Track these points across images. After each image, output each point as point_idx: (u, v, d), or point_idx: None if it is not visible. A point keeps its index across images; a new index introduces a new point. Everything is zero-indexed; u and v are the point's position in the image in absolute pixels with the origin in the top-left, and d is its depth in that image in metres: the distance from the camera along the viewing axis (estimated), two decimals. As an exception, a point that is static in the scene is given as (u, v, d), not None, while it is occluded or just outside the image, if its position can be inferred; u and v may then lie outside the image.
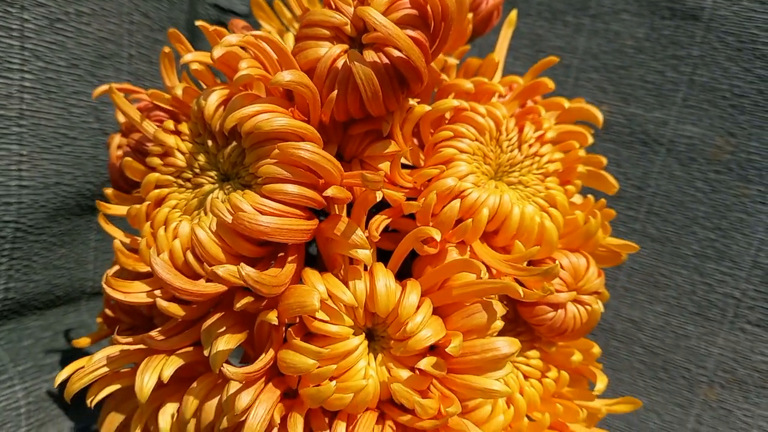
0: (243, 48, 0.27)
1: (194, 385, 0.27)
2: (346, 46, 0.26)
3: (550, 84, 0.32)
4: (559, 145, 0.33)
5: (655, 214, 0.56)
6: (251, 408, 0.24)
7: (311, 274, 0.26)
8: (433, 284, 0.27)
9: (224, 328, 0.26)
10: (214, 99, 0.27)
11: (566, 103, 0.33)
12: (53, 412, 0.47)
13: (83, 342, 0.38)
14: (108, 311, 0.33)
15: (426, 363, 0.25)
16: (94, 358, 0.28)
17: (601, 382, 0.33)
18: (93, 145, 0.48)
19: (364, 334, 0.26)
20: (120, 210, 0.30)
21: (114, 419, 0.30)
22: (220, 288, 0.26)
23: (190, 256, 0.26)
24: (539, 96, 0.33)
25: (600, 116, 0.34)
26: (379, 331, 0.27)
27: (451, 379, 0.27)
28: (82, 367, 0.28)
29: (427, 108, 0.30)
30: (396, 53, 0.25)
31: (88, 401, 0.28)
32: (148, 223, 0.28)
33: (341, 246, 0.26)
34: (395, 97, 0.27)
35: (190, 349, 0.28)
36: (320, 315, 0.26)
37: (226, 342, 0.25)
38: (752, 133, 0.52)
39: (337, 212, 0.27)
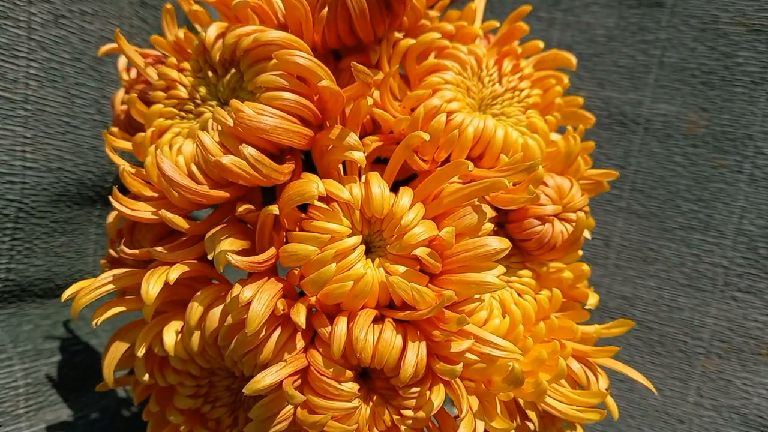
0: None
1: (198, 293, 0.28)
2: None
3: (525, 27, 0.35)
4: (537, 84, 0.35)
5: (638, 191, 0.57)
6: (254, 297, 0.25)
7: (310, 175, 0.27)
8: (426, 196, 0.29)
9: (227, 235, 0.27)
10: (213, 30, 0.29)
11: (541, 44, 0.35)
12: (51, 398, 0.46)
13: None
14: (112, 252, 0.34)
15: (421, 251, 0.26)
16: (100, 276, 0.29)
17: (593, 298, 0.34)
18: (94, 136, 0.50)
19: (361, 237, 0.28)
20: (126, 144, 0.31)
21: (118, 348, 0.30)
22: (223, 194, 0.27)
23: (194, 168, 0.28)
24: (516, 42, 0.36)
25: (574, 60, 0.37)
26: (375, 240, 0.29)
27: (446, 278, 0.28)
28: (88, 286, 0.29)
29: (412, 41, 0.32)
30: (380, -25, 0.28)
31: (93, 322, 0.29)
32: (153, 145, 0.29)
33: (336, 150, 0.27)
34: (381, 19, 0.29)
35: (195, 262, 0.29)
36: (317, 215, 0.27)
37: (230, 243, 0.27)
38: (723, 107, 0.54)
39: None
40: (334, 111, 0.28)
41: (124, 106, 0.35)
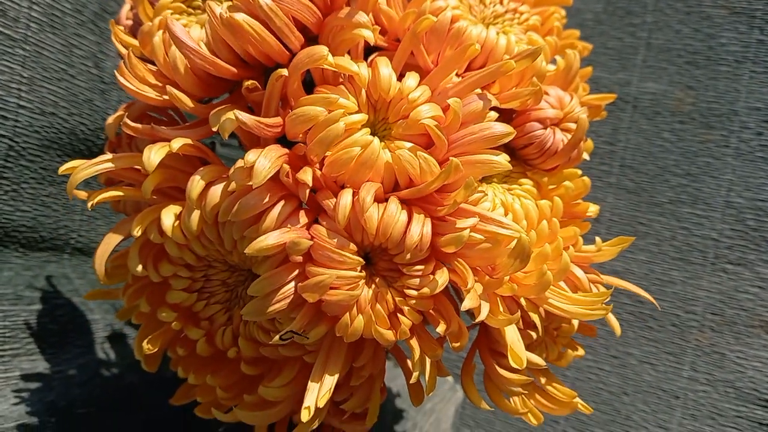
0: None
1: (200, 169, 0.27)
2: None
3: (526, -45, 0.36)
4: (537, 11, 0.36)
5: (628, 167, 0.58)
6: (260, 156, 0.25)
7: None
8: (433, 88, 0.29)
9: (232, 110, 0.27)
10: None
11: (540, -24, 0.36)
12: (28, 347, 0.44)
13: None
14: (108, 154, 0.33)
15: (429, 121, 0.26)
16: (98, 157, 0.28)
17: (593, 207, 0.33)
18: (89, 89, 0.50)
19: (366, 116, 0.28)
20: (132, 40, 0.31)
21: (112, 239, 0.29)
22: (231, 68, 0.27)
23: (201, 44, 0.28)
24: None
25: (571, -3, 0.38)
26: (380, 128, 0.29)
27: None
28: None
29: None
30: None
31: (89, 203, 0.28)
32: (159, 18, 0.29)
33: (345, 30, 0.27)
34: None
35: (198, 143, 0.28)
36: (324, 91, 0.27)
37: (236, 114, 0.26)
38: (708, 85, 0.56)
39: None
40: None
41: (130, 21, 0.35)
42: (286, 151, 0.26)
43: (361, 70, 0.27)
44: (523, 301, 0.30)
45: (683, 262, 0.56)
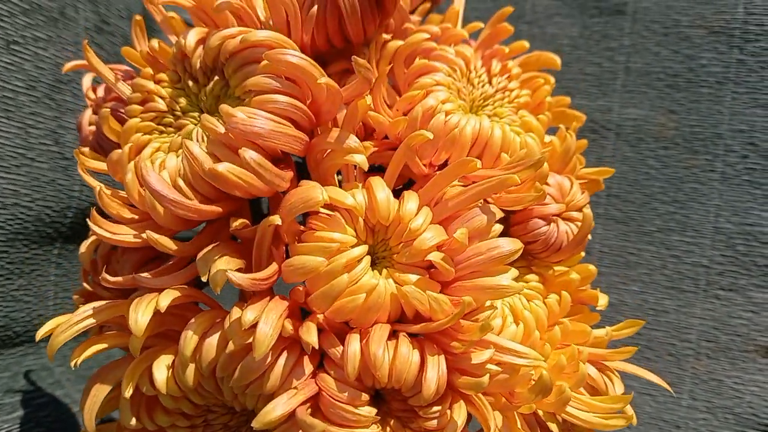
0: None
1: (192, 321, 0.25)
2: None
3: (510, 28, 0.34)
4: (526, 84, 0.34)
5: (614, 196, 0.58)
6: (260, 318, 0.23)
7: (310, 182, 0.25)
8: (430, 200, 0.27)
9: (222, 254, 0.25)
10: (193, 36, 0.27)
11: (526, 44, 0.34)
12: (13, 459, 0.42)
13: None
14: (86, 285, 0.31)
15: (435, 255, 0.25)
16: (78, 311, 0.26)
17: (603, 299, 0.32)
18: (51, 169, 0.47)
19: (366, 247, 0.26)
20: (100, 164, 0.29)
21: (99, 391, 0.27)
22: (215, 209, 0.25)
23: (181, 182, 0.25)
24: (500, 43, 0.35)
25: (558, 61, 0.36)
26: (380, 251, 0.27)
27: (459, 285, 0.26)
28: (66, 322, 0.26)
29: (400, 42, 0.31)
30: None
31: (72, 363, 0.26)
32: (133, 161, 0.27)
33: (335, 155, 0.25)
34: (372, 17, 0.28)
35: (185, 287, 0.26)
36: (319, 225, 0.25)
37: (226, 262, 0.24)
38: (691, 108, 0.55)
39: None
40: (329, 114, 0.26)
41: (93, 127, 0.33)
42: (286, 305, 0.24)
43: (357, 198, 0.25)
44: (540, 411, 0.29)
45: (676, 291, 0.55)
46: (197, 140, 0.26)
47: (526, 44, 0.35)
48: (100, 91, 0.33)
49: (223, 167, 0.23)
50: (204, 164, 0.24)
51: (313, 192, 0.23)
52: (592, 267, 0.32)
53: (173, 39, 0.31)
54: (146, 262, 0.29)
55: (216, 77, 0.28)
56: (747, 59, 0.54)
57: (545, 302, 0.31)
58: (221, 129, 0.24)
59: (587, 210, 0.30)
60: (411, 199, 0.26)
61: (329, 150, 0.26)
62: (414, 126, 0.28)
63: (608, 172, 0.34)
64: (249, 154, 0.22)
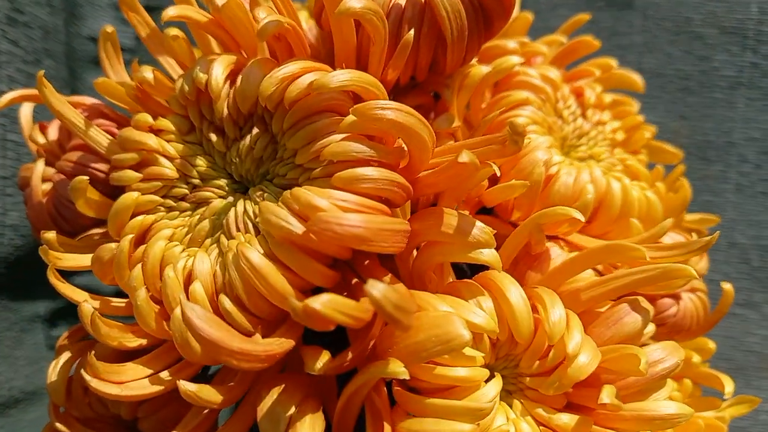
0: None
1: None
2: (402, -23, 0.19)
3: (595, 43, 0.27)
4: (614, 113, 0.28)
5: (625, 210, 0.53)
6: None
7: (422, 294, 0.17)
8: (557, 287, 0.20)
9: (294, 407, 0.16)
10: (219, 70, 0.18)
11: (613, 62, 0.28)
12: None
13: None
14: (60, 427, 0.21)
15: (609, 393, 0.18)
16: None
17: (729, 385, 0.27)
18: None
19: (500, 385, 0.18)
20: (78, 260, 0.19)
21: None
22: (288, 343, 0.16)
23: (226, 303, 0.16)
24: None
25: (640, 82, 0.30)
26: (500, 367, 0.19)
27: (611, 415, 0.19)
28: None
29: (485, 69, 0.23)
30: (479, -21, 0.19)
31: None
32: (138, 266, 0.17)
33: (451, 249, 0.17)
34: (478, 43, 0.20)
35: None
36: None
37: (310, 427, 0.16)
38: (704, 114, 0.51)
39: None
40: (433, 186, 0.18)
41: (47, 185, 0.22)
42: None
43: (485, 307, 0.18)
44: None
45: (690, 309, 0.52)
46: (238, 228, 0.17)
47: (613, 62, 0.28)
48: (53, 132, 0.23)
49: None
50: (273, 283, 0.15)
51: (452, 326, 0.15)
52: (711, 344, 0.26)
53: (167, 63, 0.22)
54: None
55: (255, 129, 0.19)
56: (760, 62, 0.51)
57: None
58: (298, 228, 0.16)
59: (727, 285, 0.24)
60: (554, 302, 0.19)
61: (442, 242, 0.18)
62: (535, 193, 0.20)
63: (714, 220, 0.28)
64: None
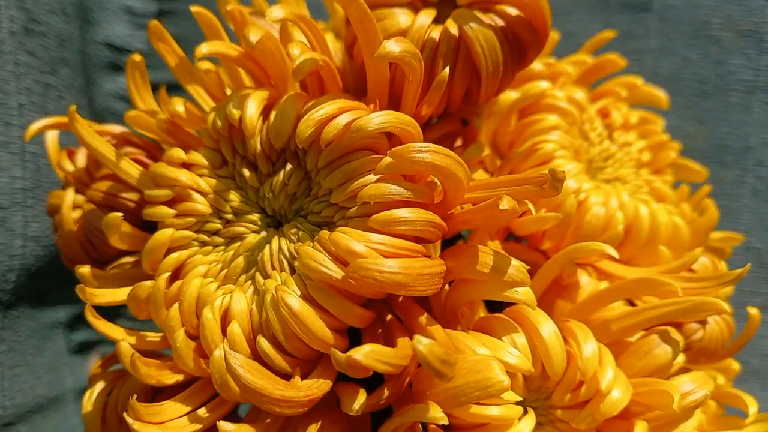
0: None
1: None
2: (434, 12, 0.19)
3: (621, 62, 0.27)
4: (637, 130, 0.28)
5: (640, 214, 0.53)
6: None
7: (459, 336, 0.17)
8: (586, 317, 0.20)
9: (333, 447, 0.17)
10: (254, 107, 0.18)
11: (638, 81, 0.27)
12: None
13: None
14: None
15: (641, 430, 0.18)
16: None
17: (752, 405, 0.27)
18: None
19: (533, 421, 0.18)
20: (114, 295, 0.19)
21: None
22: (327, 385, 0.17)
23: (264, 344, 0.17)
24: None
25: (665, 99, 0.30)
26: (531, 399, 0.20)
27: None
28: None
29: (514, 95, 0.23)
30: (512, 11, 0.18)
31: None
32: (175, 306, 0.17)
33: (490, 288, 0.18)
34: (511, 75, 0.20)
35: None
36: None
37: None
38: (721, 118, 0.51)
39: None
40: (466, 223, 0.18)
41: (77, 213, 0.23)
42: None
43: (519, 344, 0.18)
44: None
45: (705, 314, 0.52)
46: (273, 266, 0.17)
47: (639, 81, 0.28)
48: (81, 159, 0.23)
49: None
50: (311, 327, 0.15)
51: (491, 372, 0.15)
52: (735, 364, 0.26)
53: (195, 92, 0.22)
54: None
55: (288, 165, 0.19)
56: (778, 65, 0.50)
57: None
58: (337, 273, 0.16)
59: (753, 310, 0.24)
60: (586, 336, 0.19)
61: (481, 280, 0.18)
62: (567, 224, 0.20)
63: (738, 239, 0.28)
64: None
